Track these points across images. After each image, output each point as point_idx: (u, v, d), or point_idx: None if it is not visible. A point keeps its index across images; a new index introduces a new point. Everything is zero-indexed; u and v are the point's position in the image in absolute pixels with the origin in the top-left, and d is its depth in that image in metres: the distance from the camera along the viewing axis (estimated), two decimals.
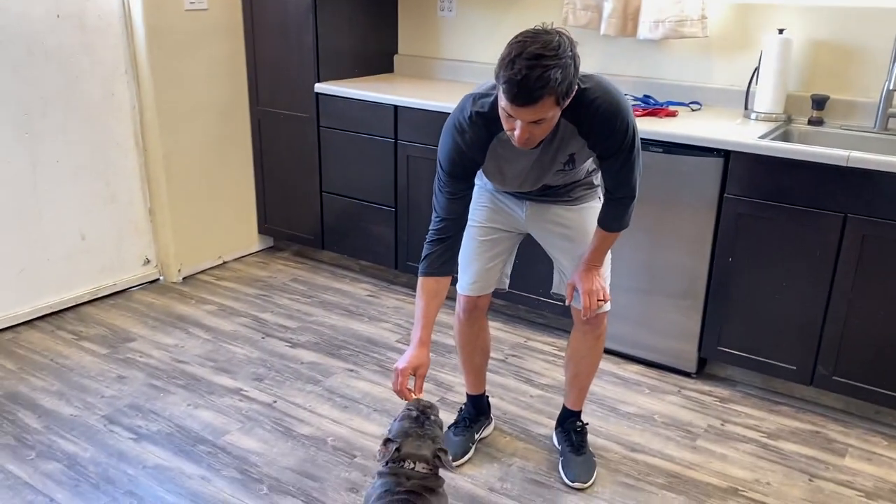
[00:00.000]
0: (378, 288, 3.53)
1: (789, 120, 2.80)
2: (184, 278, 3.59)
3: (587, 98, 1.73)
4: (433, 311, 1.89)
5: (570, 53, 1.58)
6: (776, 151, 2.38)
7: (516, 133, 1.66)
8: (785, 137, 2.68)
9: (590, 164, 1.99)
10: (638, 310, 2.79)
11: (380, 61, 3.76)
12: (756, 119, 2.76)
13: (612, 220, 1.96)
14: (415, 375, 1.84)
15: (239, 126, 3.68)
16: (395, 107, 3.19)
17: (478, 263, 2.14)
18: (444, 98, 3.12)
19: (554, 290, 2.22)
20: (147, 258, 3.51)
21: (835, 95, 2.75)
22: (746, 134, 2.52)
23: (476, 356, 2.30)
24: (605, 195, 1.96)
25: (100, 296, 3.34)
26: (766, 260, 2.49)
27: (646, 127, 2.57)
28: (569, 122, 1.77)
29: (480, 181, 2.10)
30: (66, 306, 3.22)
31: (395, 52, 3.82)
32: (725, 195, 2.51)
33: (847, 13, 2.71)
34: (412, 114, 3.15)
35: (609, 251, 2.08)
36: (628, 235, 2.64)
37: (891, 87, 2.48)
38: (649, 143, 2.58)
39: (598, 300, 2.04)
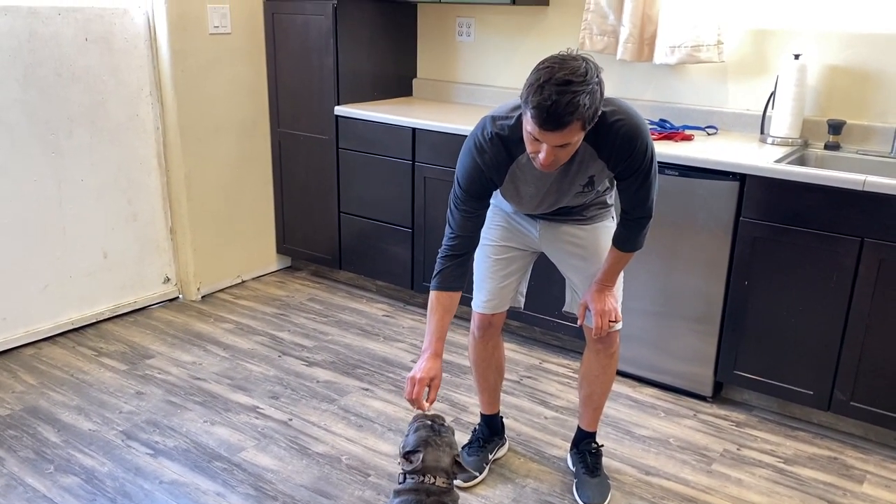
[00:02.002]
0: (394, 308, 3.55)
1: (806, 144, 2.80)
2: (203, 297, 3.63)
3: (608, 121, 1.76)
4: (446, 325, 1.92)
5: (597, 79, 1.62)
6: (792, 175, 2.39)
7: (541, 156, 1.68)
8: (801, 162, 2.68)
9: (605, 183, 2.01)
10: (653, 333, 2.79)
11: (398, 84, 3.81)
12: (772, 143, 2.77)
13: (627, 240, 1.98)
14: (429, 387, 1.85)
15: (259, 147, 3.74)
16: (413, 129, 3.23)
17: (492, 282, 2.16)
18: (462, 121, 3.16)
19: (566, 308, 2.23)
20: (167, 276, 3.56)
21: (851, 120, 2.76)
22: (762, 158, 2.53)
23: (490, 375, 2.31)
24: (620, 215, 1.97)
25: (120, 313, 3.39)
26: (782, 284, 2.49)
27: (662, 150, 2.58)
28: (589, 144, 1.80)
29: (495, 200, 2.12)
30: (86, 323, 3.27)
31: (414, 75, 3.87)
32: (741, 219, 2.51)
33: (862, 39, 2.72)
34: (429, 136, 3.19)
35: (622, 272, 2.09)
36: (644, 258, 2.65)
37: None
38: (665, 167, 2.59)
39: (610, 321, 2.05)
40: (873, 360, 2.39)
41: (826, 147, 2.76)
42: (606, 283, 2.05)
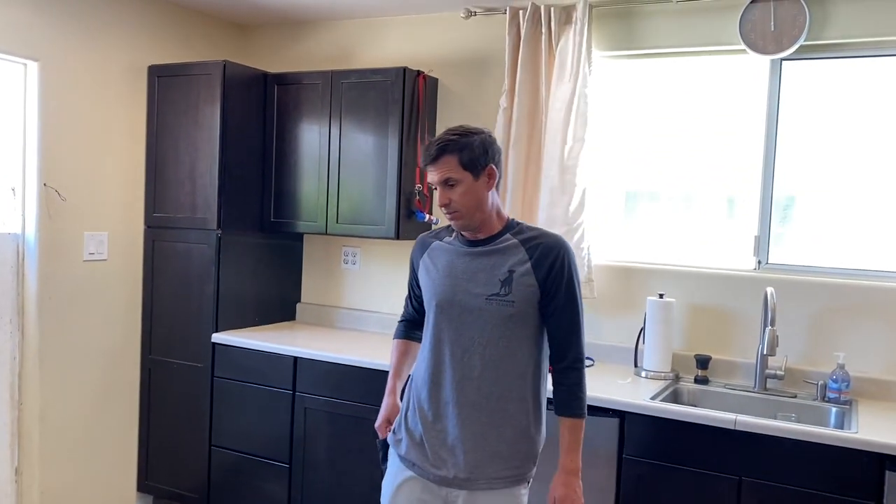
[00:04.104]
0: None
1: (677, 378, 2.91)
2: None
3: (538, 230, 1.99)
4: (404, 366, 2.20)
5: (481, 139, 1.90)
6: (667, 413, 2.45)
7: (438, 197, 1.92)
8: (674, 397, 2.77)
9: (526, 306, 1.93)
10: None
11: (282, 308, 3.77)
12: (646, 377, 2.87)
13: (569, 399, 1.98)
14: (390, 422, 2.11)
15: (127, 375, 3.51)
16: (295, 358, 3.15)
17: None
18: (345, 350, 3.11)
19: None
20: None
21: (716, 355, 2.92)
22: (638, 394, 2.59)
23: None
24: (554, 369, 2.01)
25: None
26: None
27: None
28: (515, 238, 1.96)
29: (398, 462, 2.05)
30: None
31: (298, 300, 3.85)
32: (624, 456, 2.51)
33: (715, 279, 2.95)
34: (312, 365, 3.11)
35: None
36: None
37: (764, 352, 2.65)
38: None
39: None
40: None
41: (696, 381, 2.87)
42: (568, 465, 1.97)
